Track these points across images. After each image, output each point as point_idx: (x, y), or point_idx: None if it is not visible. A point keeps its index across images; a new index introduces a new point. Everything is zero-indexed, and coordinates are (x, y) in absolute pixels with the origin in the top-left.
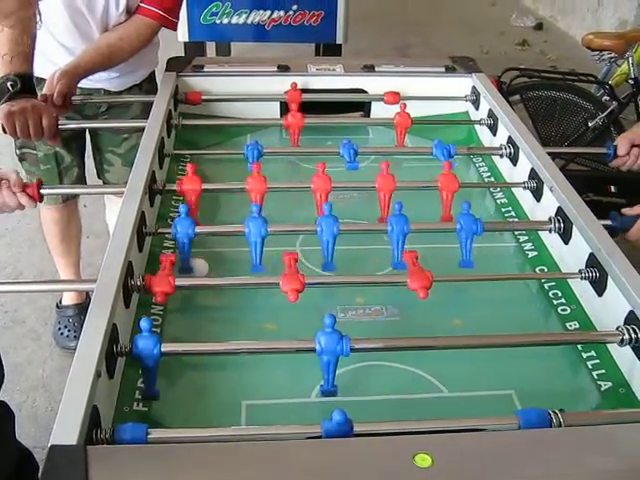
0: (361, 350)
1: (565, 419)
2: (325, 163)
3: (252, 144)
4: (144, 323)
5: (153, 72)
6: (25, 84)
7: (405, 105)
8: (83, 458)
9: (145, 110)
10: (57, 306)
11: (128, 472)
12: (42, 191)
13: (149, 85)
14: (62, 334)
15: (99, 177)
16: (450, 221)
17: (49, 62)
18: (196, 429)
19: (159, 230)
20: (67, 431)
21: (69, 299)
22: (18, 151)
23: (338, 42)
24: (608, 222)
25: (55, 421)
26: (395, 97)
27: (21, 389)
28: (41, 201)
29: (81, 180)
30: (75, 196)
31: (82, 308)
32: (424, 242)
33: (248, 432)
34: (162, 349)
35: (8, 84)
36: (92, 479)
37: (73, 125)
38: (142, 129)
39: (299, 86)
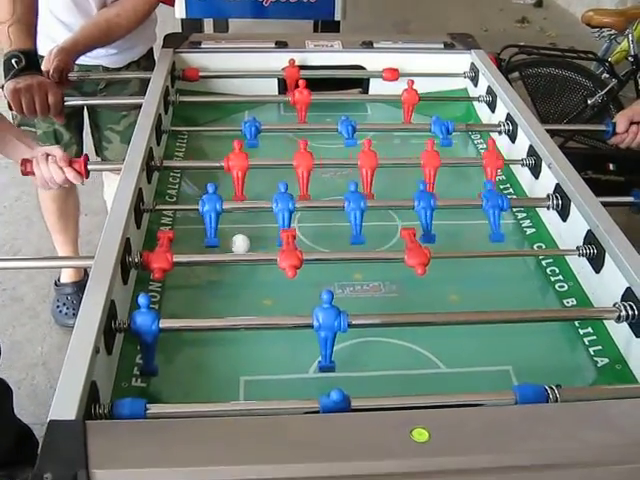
0: (359, 326)
1: (561, 395)
2: (307, 140)
3: (250, 120)
4: (142, 299)
5: (151, 49)
6: (29, 60)
7: (413, 82)
8: (82, 433)
9: (144, 87)
10: (55, 284)
11: (127, 446)
12: (89, 167)
13: (147, 62)
14: (61, 312)
15: (97, 155)
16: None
17: (48, 39)
18: (194, 404)
19: (157, 207)
20: (66, 406)
21: (67, 277)
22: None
23: (336, 19)
24: (631, 199)
25: (54, 397)
26: (394, 73)
27: (20, 367)
28: (87, 177)
29: (80, 154)
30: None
31: (80, 286)
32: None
33: (246, 407)
34: (160, 325)
35: (13, 61)
36: (91, 453)
37: (71, 102)
38: (140, 106)
39: (297, 62)
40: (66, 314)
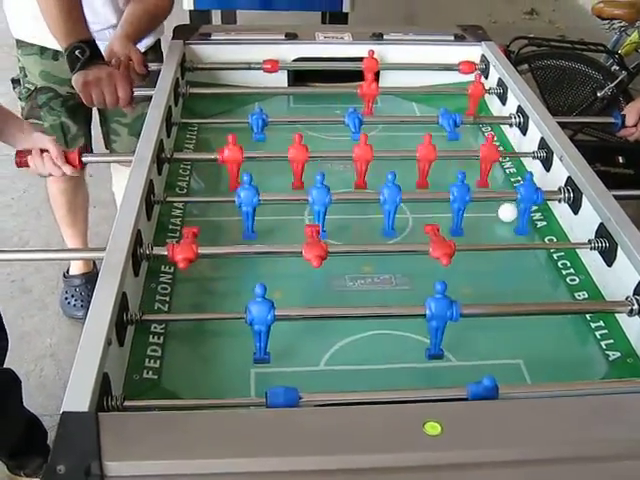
0: (470, 315)
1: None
2: (301, 134)
3: (257, 113)
4: (259, 289)
5: (158, 41)
6: (92, 49)
7: (480, 75)
8: (95, 425)
9: (152, 79)
10: (64, 275)
11: (139, 438)
12: (84, 159)
13: (154, 54)
14: (69, 303)
15: (106, 147)
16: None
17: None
18: (206, 399)
19: (167, 199)
20: (78, 398)
21: (76, 269)
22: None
23: (345, 10)
24: None
25: (67, 388)
26: (470, 67)
27: (29, 358)
28: (83, 168)
29: (88, 148)
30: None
31: (89, 277)
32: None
33: (259, 400)
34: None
35: (77, 52)
36: (104, 445)
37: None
38: (149, 98)
39: (307, 55)
40: (74, 306)
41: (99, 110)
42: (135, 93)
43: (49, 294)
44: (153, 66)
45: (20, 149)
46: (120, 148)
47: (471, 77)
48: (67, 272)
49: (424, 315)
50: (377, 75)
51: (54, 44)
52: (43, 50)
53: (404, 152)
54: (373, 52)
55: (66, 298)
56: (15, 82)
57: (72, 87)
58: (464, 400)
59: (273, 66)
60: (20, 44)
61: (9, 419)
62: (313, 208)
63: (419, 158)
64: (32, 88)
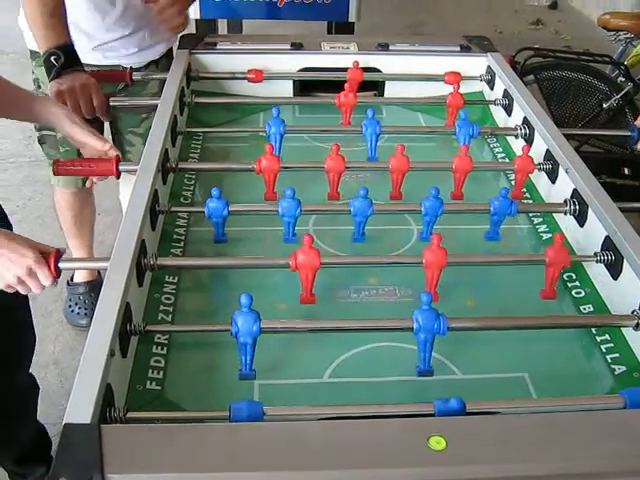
0: (458, 329)
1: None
2: (339, 144)
3: (274, 120)
4: (244, 299)
5: (171, 49)
6: (68, 55)
7: (459, 86)
8: (97, 437)
9: (164, 84)
10: (68, 283)
11: (142, 451)
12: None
13: (168, 61)
14: (72, 311)
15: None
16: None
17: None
18: (210, 411)
19: (172, 209)
20: (81, 410)
21: (80, 276)
22: (38, 133)
23: (351, 20)
24: None
25: (69, 399)
26: (456, 77)
27: (32, 366)
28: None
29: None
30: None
31: (93, 285)
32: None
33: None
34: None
35: (52, 59)
36: (106, 458)
37: None
38: (154, 107)
39: (312, 64)
40: (78, 314)
41: (111, 122)
42: (141, 102)
43: (53, 302)
44: (158, 75)
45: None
46: (135, 158)
47: (477, 87)
48: (71, 279)
49: (411, 328)
50: (383, 86)
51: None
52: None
53: (438, 163)
54: (358, 63)
55: (70, 306)
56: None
57: None
58: (469, 415)
59: (257, 76)
60: (34, 55)
61: (25, 424)
62: (355, 220)
63: (455, 169)
64: None
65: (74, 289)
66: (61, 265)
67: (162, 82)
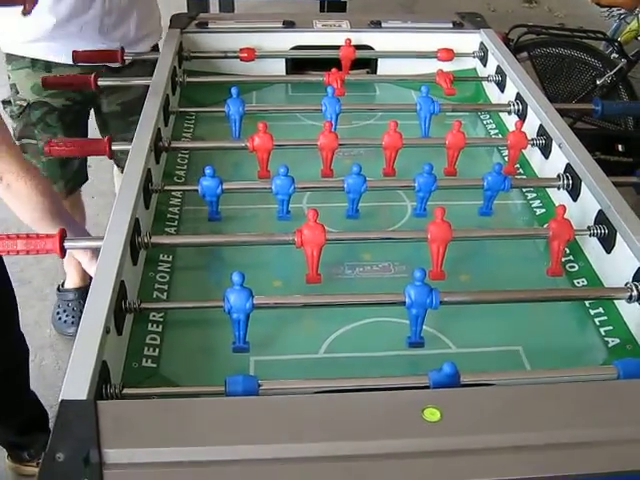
0: (450, 303)
1: None
2: (331, 122)
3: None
4: (236, 277)
5: (156, 46)
6: None
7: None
8: (93, 413)
9: (147, 69)
10: (58, 289)
11: (138, 426)
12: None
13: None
14: (60, 319)
15: (119, 166)
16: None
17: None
18: (205, 387)
19: (165, 187)
20: (77, 386)
21: (71, 283)
22: (18, 142)
23: None
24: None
25: (65, 377)
26: (449, 54)
27: (29, 349)
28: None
29: (83, 170)
30: (77, 188)
31: (82, 292)
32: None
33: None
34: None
35: None
36: (102, 433)
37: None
38: (146, 87)
39: (304, 43)
40: (65, 322)
41: (101, 131)
42: (132, 82)
43: (48, 285)
44: (150, 56)
45: None
46: None
47: (469, 64)
48: (62, 285)
49: (404, 303)
50: (375, 63)
51: (46, 55)
52: (34, 62)
53: (431, 140)
54: (350, 40)
55: (57, 313)
56: (5, 103)
57: (68, 99)
58: (464, 387)
59: (249, 54)
60: (10, 58)
61: (22, 390)
62: (348, 196)
63: (448, 146)
64: (24, 104)
65: (64, 295)
66: (66, 244)
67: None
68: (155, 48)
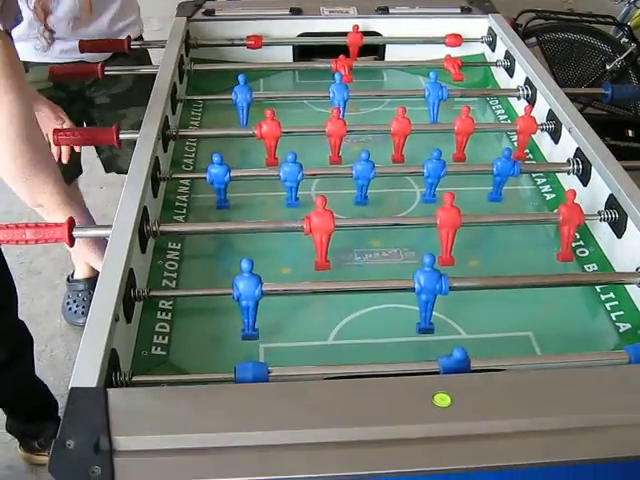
0: (460, 289)
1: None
2: (339, 108)
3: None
4: (245, 264)
5: (141, 37)
6: None
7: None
8: (103, 400)
9: (140, 77)
10: (68, 280)
11: (148, 413)
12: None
13: (138, 51)
14: (70, 309)
15: (109, 170)
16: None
17: None
18: (215, 374)
19: (173, 175)
20: (87, 374)
21: (81, 273)
22: None
23: None
24: None
25: (75, 365)
26: (457, 39)
27: (39, 339)
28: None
29: (77, 162)
30: (73, 179)
31: (92, 282)
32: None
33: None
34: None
35: None
36: (112, 420)
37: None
38: (141, 100)
39: (312, 30)
40: (75, 312)
41: (88, 121)
42: (140, 71)
43: (58, 275)
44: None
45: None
46: (124, 164)
47: (478, 49)
48: (71, 276)
49: (413, 289)
50: (383, 50)
51: (23, 56)
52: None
53: (440, 125)
54: (358, 27)
55: (67, 303)
56: None
57: (51, 96)
58: (474, 372)
59: (256, 42)
60: None
61: (28, 376)
62: (357, 183)
63: (457, 131)
64: None
65: (73, 286)
66: (75, 233)
67: (138, 75)
68: (140, 39)
